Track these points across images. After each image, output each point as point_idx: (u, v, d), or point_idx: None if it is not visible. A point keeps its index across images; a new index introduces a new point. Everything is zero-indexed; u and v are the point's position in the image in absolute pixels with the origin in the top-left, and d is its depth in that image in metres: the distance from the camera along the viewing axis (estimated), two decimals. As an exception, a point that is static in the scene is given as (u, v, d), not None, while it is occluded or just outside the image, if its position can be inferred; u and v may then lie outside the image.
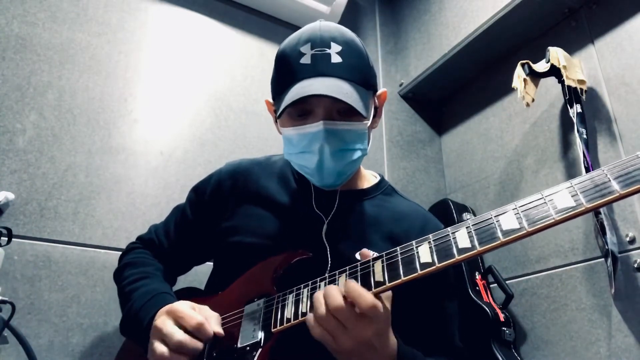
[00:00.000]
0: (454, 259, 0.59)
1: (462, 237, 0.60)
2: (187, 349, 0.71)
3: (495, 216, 0.59)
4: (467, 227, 0.60)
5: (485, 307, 1.45)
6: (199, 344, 0.72)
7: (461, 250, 0.59)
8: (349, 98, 0.78)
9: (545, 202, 0.56)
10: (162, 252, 0.99)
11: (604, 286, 1.26)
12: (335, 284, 0.69)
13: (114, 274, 0.97)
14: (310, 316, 0.67)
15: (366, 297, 0.62)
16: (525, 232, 0.55)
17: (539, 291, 1.44)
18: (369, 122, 0.86)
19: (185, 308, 0.75)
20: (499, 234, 0.57)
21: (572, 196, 0.54)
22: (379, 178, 1.02)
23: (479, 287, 1.54)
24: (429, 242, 0.63)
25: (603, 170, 0.53)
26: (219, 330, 0.75)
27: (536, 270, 1.46)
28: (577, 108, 1.35)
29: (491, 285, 1.59)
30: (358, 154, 0.86)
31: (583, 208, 0.53)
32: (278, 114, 0.82)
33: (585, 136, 1.32)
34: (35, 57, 1.29)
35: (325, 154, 0.82)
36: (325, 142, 0.81)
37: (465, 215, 1.69)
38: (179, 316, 0.74)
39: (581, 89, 1.37)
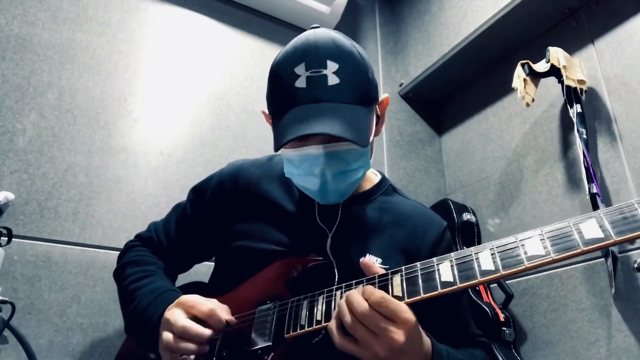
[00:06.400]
0: (476, 280, 0.58)
1: (485, 259, 0.59)
2: (191, 334, 0.70)
3: (520, 240, 0.58)
4: (490, 249, 0.60)
5: (485, 307, 1.45)
6: (203, 330, 0.71)
7: (484, 273, 0.58)
8: (346, 131, 0.73)
9: (572, 231, 0.55)
10: (161, 250, 0.98)
11: (604, 286, 1.26)
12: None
13: (114, 272, 0.97)
14: (332, 325, 0.65)
15: (388, 299, 0.61)
16: (550, 259, 0.55)
17: (539, 291, 1.44)
18: (369, 140, 0.82)
19: (195, 298, 0.75)
20: (524, 259, 0.56)
21: (599, 226, 0.53)
22: (379, 177, 1.01)
23: (478, 287, 1.54)
24: (451, 260, 0.62)
25: (633, 202, 0.53)
26: (231, 318, 0.75)
27: (536, 270, 1.46)
28: (577, 108, 1.35)
29: (491, 285, 1.59)
30: (360, 172, 0.84)
31: (612, 240, 0.52)
32: (275, 148, 0.78)
33: (585, 136, 1.32)
34: (35, 57, 1.29)
35: (326, 177, 0.79)
36: (326, 166, 0.78)
37: (465, 215, 1.68)
38: (189, 306, 0.74)
39: (581, 89, 1.37)
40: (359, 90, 0.80)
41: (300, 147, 0.80)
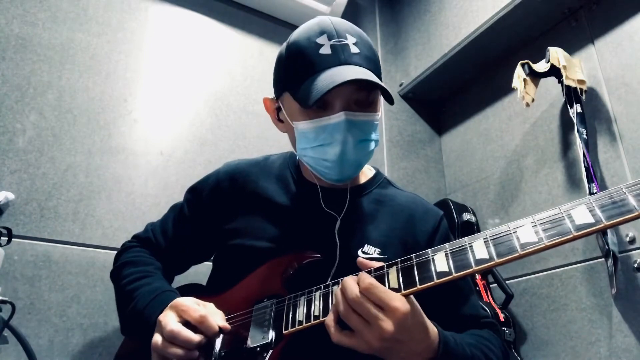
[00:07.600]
0: (471, 269, 0.59)
1: (479, 248, 0.60)
2: (179, 339, 0.70)
3: (513, 229, 0.59)
4: (484, 238, 0.60)
5: (485, 307, 1.45)
6: (192, 336, 0.71)
7: (478, 261, 0.59)
8: (381, 83, 0.78)
9: (563, 217, 0.55)
10: (159, 251, 0.98)
11: (604, 286, 1.26)
12: None
13: (111, 273, 0.97)
14: (329, 319, 0.66)
15: (377, 285, 0.61)
16: (543, 245, 0.55)
17: (539, 291, 1.44)
18: (380, 113, 0.86)
19: (189, 302, 0.75)
20: (517, 247, 0.57)
21: (589, 211, 0.54)
22: (374, 171, 1.02)
23: (478, 287, 1.54)
24: (445, 250, 0.63)
25: (621, 187, 0.53)
26: (224, 324, 0.75)
27: (536, 270, 1.46)
28: (577, 108, 1.35)
29: (491, 285, 1.59)
30: (373, 145, 0.86)
31: (602, 225, 0.52)
32: (312, 102, 0.76)
33: (585, 136, 1.32)
34: (35, 57, 1.29)
35: (348, 144, 0.80)
36: (348, 133, 0.79)
37: (465, 215, 1.68)
38: (182, 310, 0.74)
39: (581, 89, 1.37)
40: (374, 63, 0.84)
41: (319, 117, 0.81)
